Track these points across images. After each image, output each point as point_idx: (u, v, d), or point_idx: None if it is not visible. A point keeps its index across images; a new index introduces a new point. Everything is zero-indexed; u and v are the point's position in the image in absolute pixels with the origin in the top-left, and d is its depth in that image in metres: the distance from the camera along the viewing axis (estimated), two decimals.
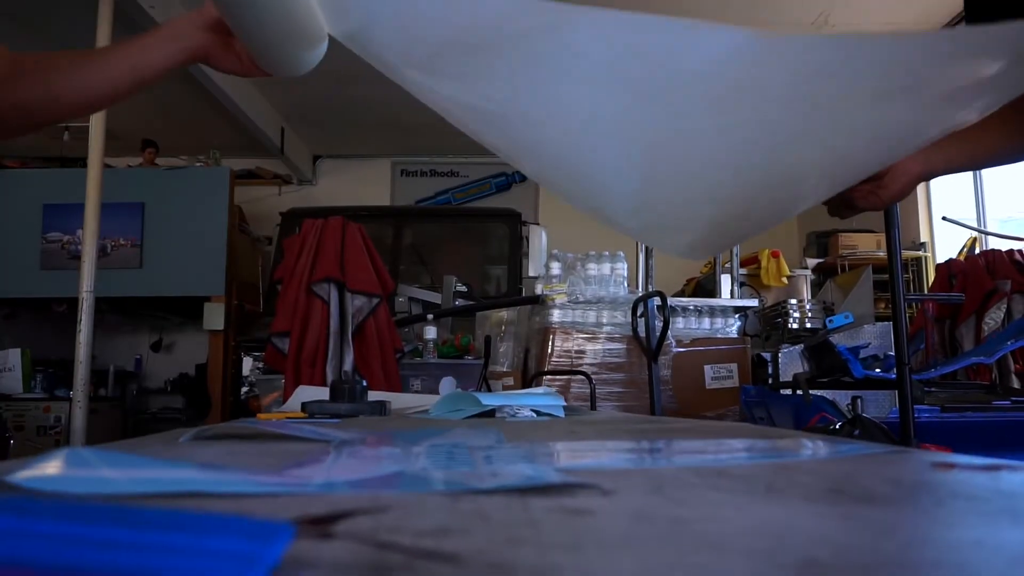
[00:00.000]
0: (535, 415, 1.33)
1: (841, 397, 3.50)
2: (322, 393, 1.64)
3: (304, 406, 1.39)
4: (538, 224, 5.50)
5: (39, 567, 0.19)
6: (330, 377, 3.05)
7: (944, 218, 4.84)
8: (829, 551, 0.24)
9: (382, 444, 0.70)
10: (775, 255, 5.44)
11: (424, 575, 0.23)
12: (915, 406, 1.98)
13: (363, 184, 7.42)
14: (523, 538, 0.27)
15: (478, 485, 0.41)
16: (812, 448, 0.61)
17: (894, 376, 2.05)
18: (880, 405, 3.45)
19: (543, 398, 1.48)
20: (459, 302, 4.12)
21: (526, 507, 0.34)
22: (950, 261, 4.43)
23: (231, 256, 5.19)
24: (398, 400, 1.67)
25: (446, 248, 5.60)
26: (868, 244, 5.72)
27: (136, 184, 5.45)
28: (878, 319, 4.43)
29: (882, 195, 0.95)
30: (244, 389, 4.89)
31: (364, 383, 1.49)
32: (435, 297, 4.28)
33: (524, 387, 3.28)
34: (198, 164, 5.76)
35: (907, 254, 5.58)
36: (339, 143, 7.30)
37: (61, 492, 0.38)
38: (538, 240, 4.80)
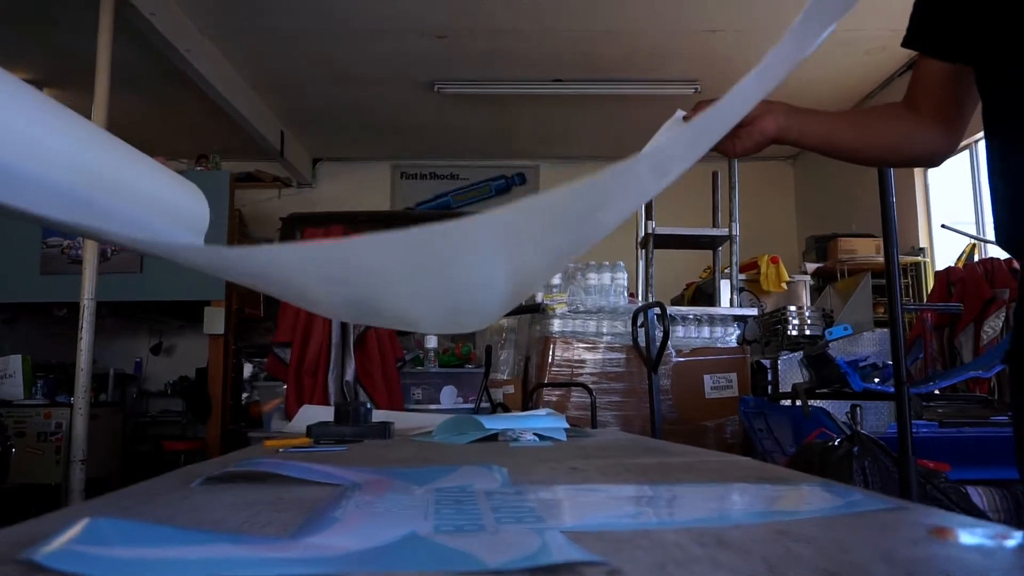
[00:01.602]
0: (537, 439, 1.35)
1: (842, 405, 3.52)
2: (326, 412, 1.66)
3: (309, 430, 1.40)
4: None
5: None
6: (332, 387, 3.08)
7: (943, 226, 4.86)
8: None
9: (391, 491, 0.72)
10: (774, 260, 5.47)
11: None
12: (913, 421, 2.00)
13: (363, 187, 7.45)
14: None
15: (488, 564, 0.43)
16: (811, 502, 0.63)
17: (892, 390, 2.07)
18: (880, 414, 3.47)
19: (545, 420, 1.50)
20: None
21: None
22: (949, 269, 4.45)
23: None
24: (401, 420, 1.69)
25: None
26: (868, 249, 5.74)
27: None
28: (877, 324, 4.45)
29: (737, 146, 0.99)
30: (245, 394, 4.91)
31: (368, 405, 1.50)
32: None
33: (524, 396, 3.30)
34: (198, 168, 5.78)
35: (906, 259, 5.60)
36: (339, 146, 7.32)
37: None
38: None
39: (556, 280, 3.51)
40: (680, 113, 0.94)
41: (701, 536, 0.51)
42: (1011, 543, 0.48)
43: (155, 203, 0.73)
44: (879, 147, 1.00)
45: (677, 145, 0.78)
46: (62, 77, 5.62)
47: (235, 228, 5.53)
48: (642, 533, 0.52)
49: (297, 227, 4.96)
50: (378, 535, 0.52)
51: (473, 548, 0.48)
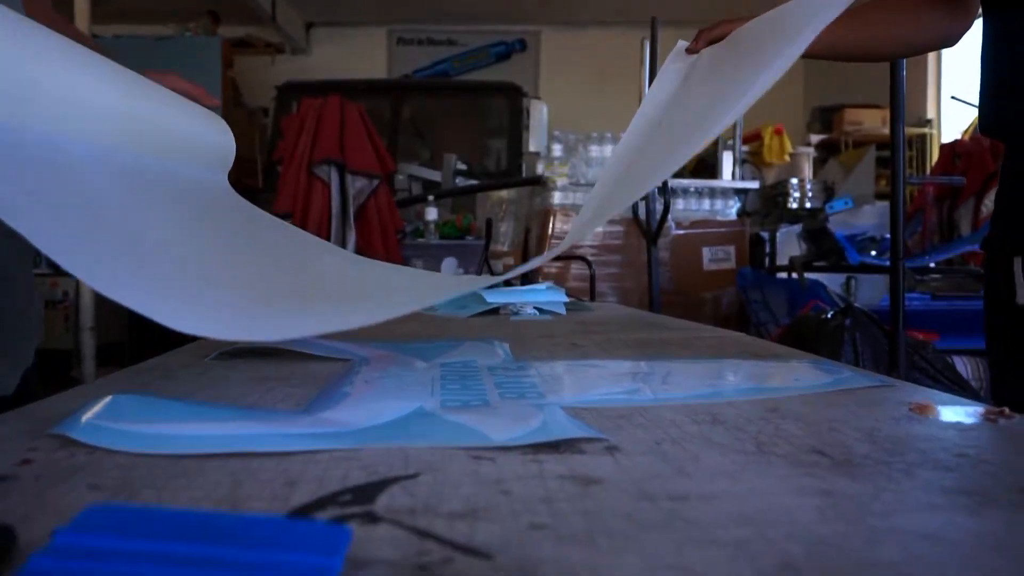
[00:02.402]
0: (538, 313, 1.38)
1: (837, 278, 3.57)
2: None
3: None
4: (539, 99, 5.40)
5: None
6: None
7: (953, 97, 4.75)
8: (802, 550, 0.29)
9: (398, 366, 0.75)
10: (778, 131, 5.38)
11: (462, 568, 0.27)
12: (906, 294, 2.03)
13: (359, 53, 7.21)
14: (543, 524, 0.31)
15: (493, 439, 0.46)
16: (801, 379, 0.66)
17: (888, 263, 2.10)
18: (875, 286, 3.52)
19: (545, 294, 1.52)
20: (459, 180, 4.11)
21: (542, 476, 0.38)
22: (955, 142, 4.39)
23: None
24: None
25: (445, 122, 5.51)
26: (874, 120, 5.64)
27: (126, 54, 5.27)
28: (879, 197, 4.44)
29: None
30: None
31: None
32: (435, 175, 4.26)
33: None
34: (187, 33, 5.58)
35: (912, 131, 5.51)
36: (333, 9, 7.04)
37: (119, 449, 0.43)
38: (539, 115, 4.74)
39: (557, 152, 3.47)
40: (683, 44, 0.91)
41: (696, 413, 0.54)
42: (982, 420, 0.51)
43: (189, 145, 0.73)
44: (890, 45, 0.95)
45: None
46: None
47: (228, 97, 5.40)
48: (639, 409, 0.55)
49: (293, 96, 4.84)
50: (387, 410, 0.55)
51: (478, 423, 0.51)
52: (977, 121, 0.96)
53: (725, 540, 0.30)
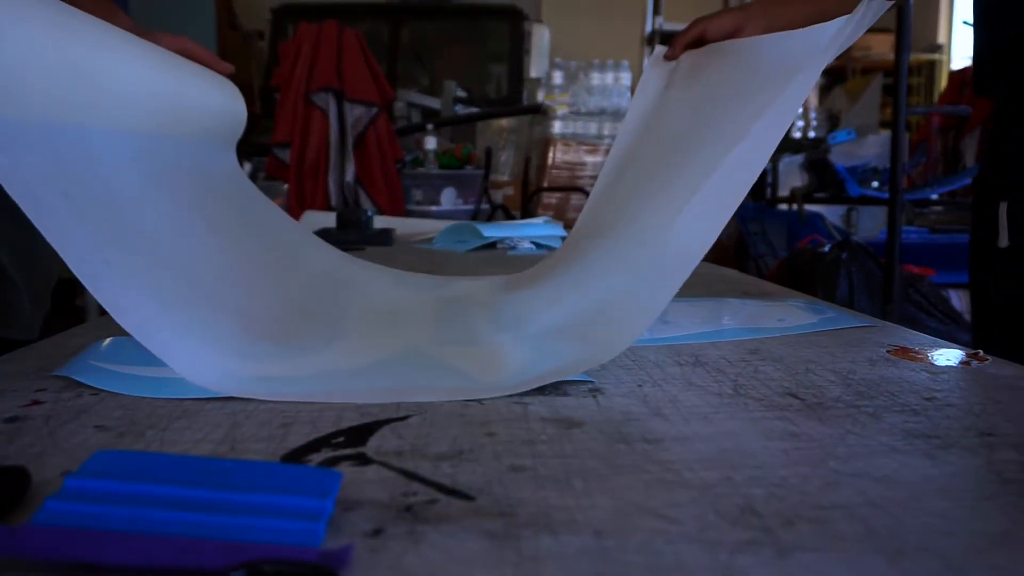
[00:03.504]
0: (535, 247, 1.39)
1: (839, 209, 3.56)
2: (328, 219, 1.69)
3: None
4: (541, 22, 5.28)
5: (121, 529, 0.25)
6: (332, 189, 3.09)
7: (965, 22, 4.64)
8: (763, 493, 0.31)
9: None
10: None
11: (445, 508, 0.29)
12: (905, 227, 2.04)
13: None
14: (523, 466, 0.33)
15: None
16: (787, 319, 0.67)
17: (888, 196, 2.09)
18: (875, 218, 3.51)
19: (542, 228, 1.53)
20: (459, 108, 4.06)
21: (527, 419, 0.40)
22: (965, 69, 4.30)
23: (222, 54, 5.02)
24: (402, 226, 1.73)
25: (445, 47, 5.40)
26: (882, 46, 5.51)
27: None
28: (883, 126, 4.38)
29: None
30: None
31: (370, 212, 1.53)
32: (435, 102, 4.20)
33: (524, 198, 3.33)
34: None
35: (922, 57, 5.40)
36: None
37: (118, 392, 0.45)
38: (540, 39, 4.64)
39: (558, 80, 3.41)
40: (661, 50, 0.89)
41: (680, 354, 0.56)
42: (956, 363, 0.52)
43: (206, 122, 0.74)
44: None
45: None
46: None
47: (223, 18, 5.28)
48: (627, 351, 0.57)
49: (289, 19, 4.74)
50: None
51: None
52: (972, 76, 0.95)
53: (692, 482, 0.32)
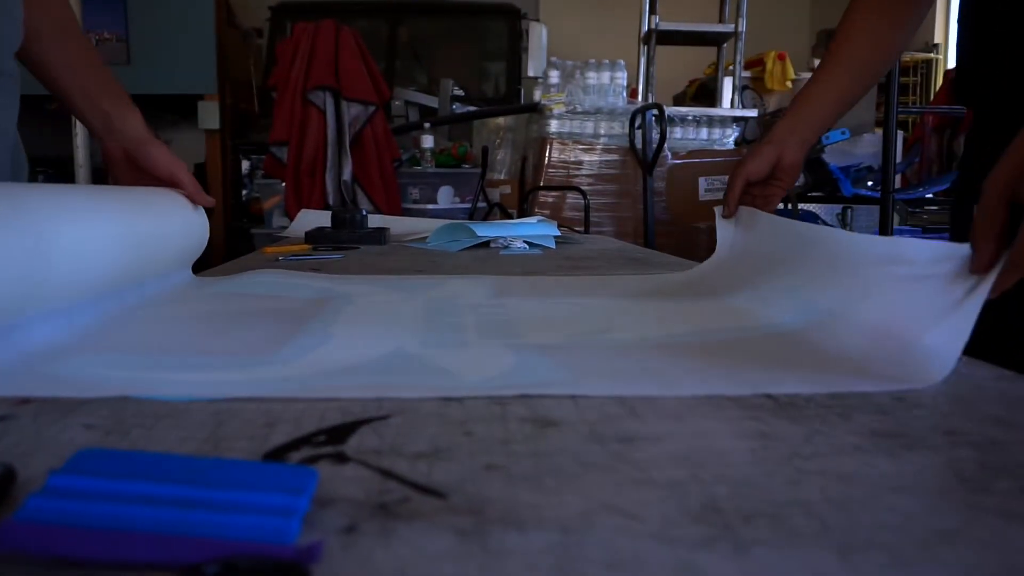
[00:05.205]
0: (527, 247, 1.40)
1: (835, 208, 3.57)
2: (323, 217, 1.70)
3: (307, 236, 1.45)
4: (538, 21, 5.29)
5: (101, 525, 0.26)
6: (330, 187, 3.10)
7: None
8: (727, 491, 0.32)
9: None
10: (781, 57, 5.29)
11: (418, 506, 0.30)
12: (898, 227, 2.05)
13: None
14: (497, 465, 0.34)
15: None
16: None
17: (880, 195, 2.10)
18: (871, 216, 3.52)
19: (535, 227, 1.54)
20: (456, 106, 4.06)
21: (504, 419, 0.41)
22: None
23: (221, 52, 5.02)
24: (397, 225, 1.74)
25: (442, 46, 5.41)
26: None
27: None
28: (878, 125, 4.40)
29: (780, 193, 0.95)
30: (244, 191, 4.95)
31: (364, 211, 1.54)
32: (432, 101, 4.21)
33: (520, 197, 3.34)
34: None
35: (917, 56, 5.42)
36: None
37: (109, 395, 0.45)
38: (538, 38, 4.65)
39: (555, 79, 3.42)
40: (718, 210, 0.94)
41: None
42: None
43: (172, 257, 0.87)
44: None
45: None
46: None
47: (222, 16, 5.28)
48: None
49: (287, 17, 4.74)
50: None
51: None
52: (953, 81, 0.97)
53: (660, 481, 0.33)
